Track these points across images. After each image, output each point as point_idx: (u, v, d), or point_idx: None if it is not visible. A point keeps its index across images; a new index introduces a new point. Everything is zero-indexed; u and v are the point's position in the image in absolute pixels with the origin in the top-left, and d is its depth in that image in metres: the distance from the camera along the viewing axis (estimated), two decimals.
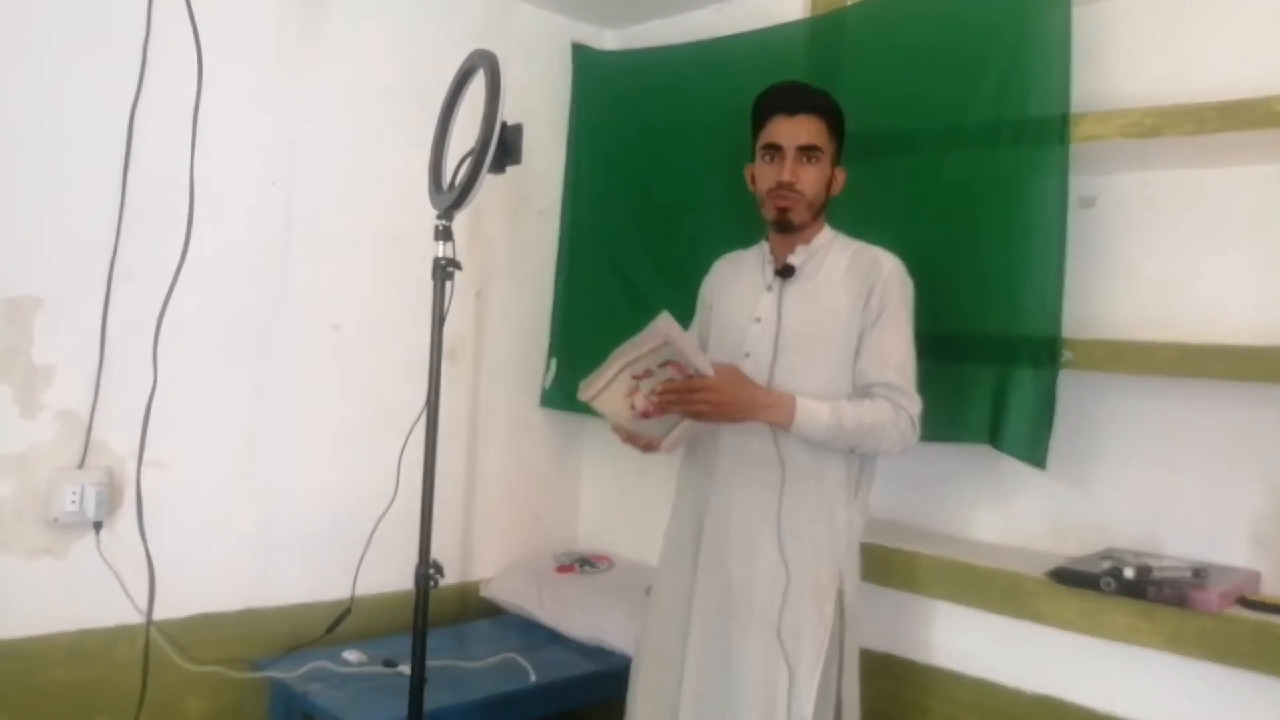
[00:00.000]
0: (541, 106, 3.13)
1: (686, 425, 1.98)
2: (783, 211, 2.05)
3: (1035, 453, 2.17)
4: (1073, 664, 2.17)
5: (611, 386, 1.91)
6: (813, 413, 1.92)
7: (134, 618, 2.33)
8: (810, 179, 2.04)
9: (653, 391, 1.91)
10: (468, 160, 1.95)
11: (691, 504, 2.14)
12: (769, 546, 2.00)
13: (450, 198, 1.96)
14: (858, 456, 2.05)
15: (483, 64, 1.96)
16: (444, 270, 1.99)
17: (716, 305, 2.22)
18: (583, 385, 1.92)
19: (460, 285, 2.84)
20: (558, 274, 3.19)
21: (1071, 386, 2.18)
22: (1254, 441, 2.06)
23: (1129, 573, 1.98)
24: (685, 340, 1.84)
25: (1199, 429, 2.13)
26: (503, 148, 1.92)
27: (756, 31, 2.74)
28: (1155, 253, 2.20)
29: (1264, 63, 2.00)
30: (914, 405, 2.00)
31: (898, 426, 1.97)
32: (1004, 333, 2.21)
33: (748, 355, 2.05)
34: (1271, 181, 2.07)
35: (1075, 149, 2.13)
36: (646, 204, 2.92)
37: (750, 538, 2.02)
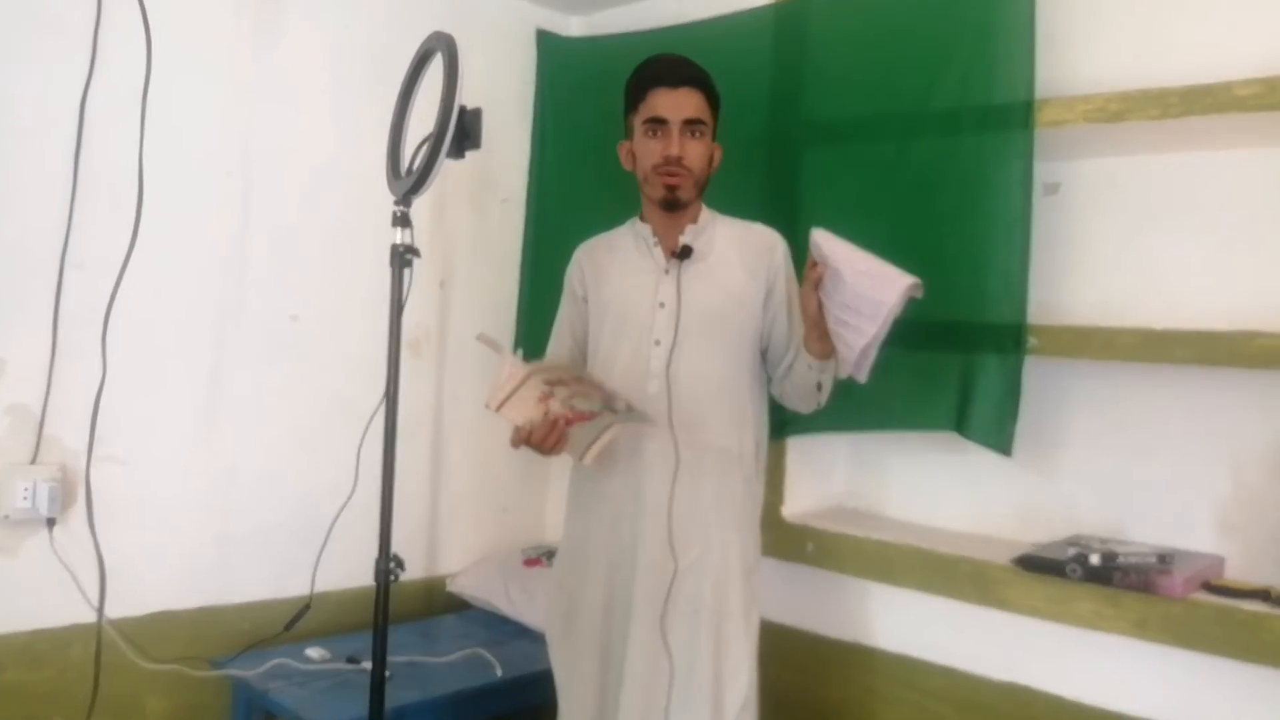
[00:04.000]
0: (506, 94, 3.09)
1: (613, 434, 1.93)
2: (671, 189, 2.00)
3: (1001, 440, 2.17)
4: (1039, 651, 2.17)
5: (520, 393, 1.84)
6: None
7: (89, 617, 2.28)
8: (697, 154, 2.00)
9: (571, 401, 1.85)
10: (426, 145, 1.92)
11: (613, 510, 2.05)
12: (717, 531, 2.00)
13: (408, 183, 1.93)
14: (762, 433, 2.10)
15: (440, 47, 1.92)
16: (402, 257, 1.96)
17: (595, 295, 2.13)
18: (487, 398, 1.86)
19: (423, 275, 2.83)
20: (523, 264, 3.15)
21: (1037, 373, 2.18)
22: (1219, 426, 2.07)
23: (1094, 559, 1.99)
24: None
25: (1164, 414, 2.14)
26: (461, 132, 1.89)
27: (722, 17, 2.72)
28: (1119, 238, 2.20)
29: (1227, 48, 2.00)
30: None
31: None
32: (969, 320, 2.20)
33: (658, 343, 2.00)
34: (1234, 166, 2.08)
35: (1040, 135, 2.13)
36: (612, 192, 2.90)
37: (698, 528, 2.00)
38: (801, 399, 2.03)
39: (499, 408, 1.86)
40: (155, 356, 2.40)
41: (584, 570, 2.09)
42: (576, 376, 1.87)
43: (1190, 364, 1.96)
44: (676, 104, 1.98)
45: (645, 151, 2.02)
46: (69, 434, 2.26)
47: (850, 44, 2.44)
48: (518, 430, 1.92)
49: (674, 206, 2.03)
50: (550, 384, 1.84)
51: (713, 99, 2.04)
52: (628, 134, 2.08)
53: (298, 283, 2.64)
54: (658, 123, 2.00)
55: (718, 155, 2.08)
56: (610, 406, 1.88)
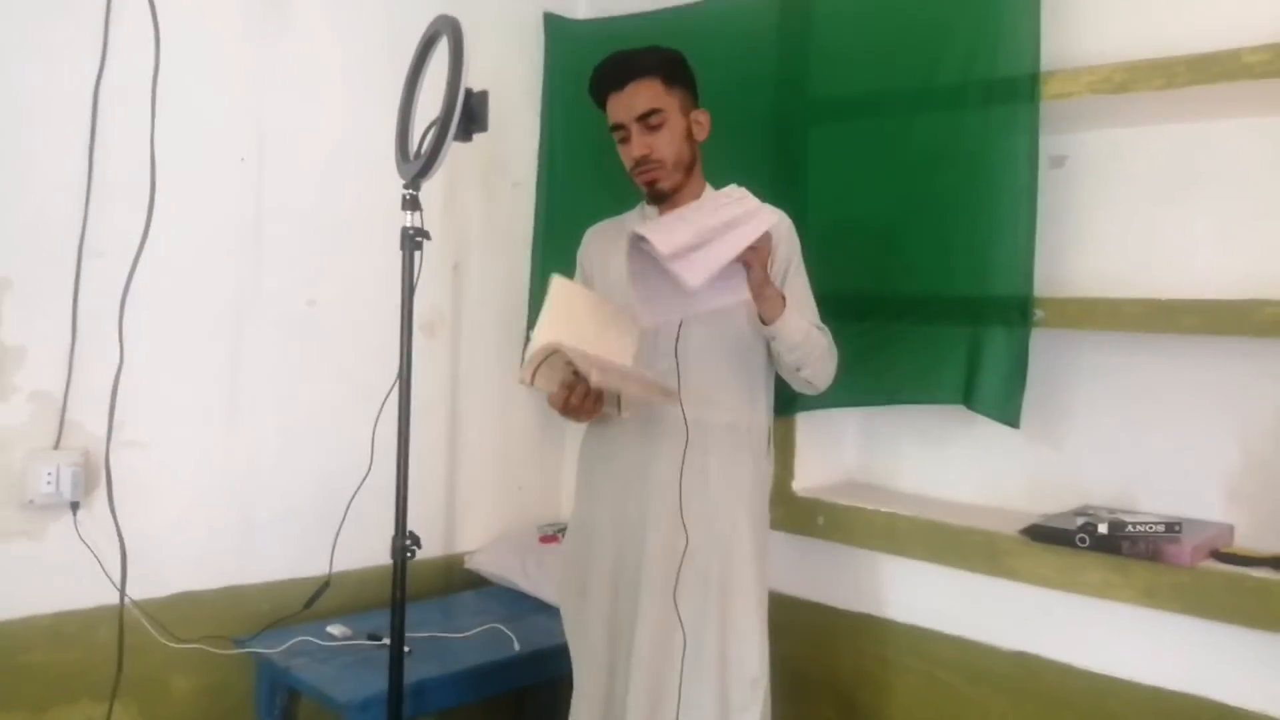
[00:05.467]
0: (514, 77, 3.08)
1: (645, 386, 1.93)
2: (651, 185, 2.02)
3: (1008, 412, 2.16)
4: (1049, 620, 2.17)
5: (550, 360, 1.85)
6: (795, 316, 1.92)
7: (114, 598, 2.31)
8: (662, 143, 1.99)
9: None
10: (433, 128, 1.92)
11: (621, 485, 2.07)
12: (726, 508, 2.01)
13: (416, 166, 1.94)
14: (769, 409, 2.10)
15: (445, 30, 1.93)
16: (412, 240, 1.97)
17: (601, 274, 2.15)
18: (519, 373, 1.88)
19: (436, 258, 2.85)
20: (534, 245, 3.15)
21: (1044, 345, 2.17)
22: (1226, 395, 2.06)
23: (1103, 528, 1.99)
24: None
25: (1171, 384, 2.12)
26: (468, 115, 1.89)
27: None
28: (1125, 209, 2.19)
29: (1233, 15, 1.97)
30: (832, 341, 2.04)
31: (833, 355, 2.02)
32: (976, 293, 2.20)
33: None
34: (1242, 135, 2.05)
35: (1045, 107, 2.11)
36: (621, 175, 2.89)
37: (706, 504, 2.00)
38: (792, 381, 2.04)
39: (531, 380, 1.87)
40: (173, 342, 2.42)
41: (594, 545, 2.10)
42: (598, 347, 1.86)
43: (1197, 333, 1.95)
44: (626, 104, 1.99)
45: (622, 156, 2.05)
46: (90, 419, 2.29)
47: (855, 21, 2.42)
48: (553, 395, 1.94)
49: (661, 198, 2.05)
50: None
51: (671, 77, 2.01)
52: None
53: (313, 267, 2.65)
54: (618, 129, 2.02)
55: (704, 121, 2.06)
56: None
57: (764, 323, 1.90)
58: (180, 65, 2.36)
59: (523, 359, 1.87)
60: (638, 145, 1.98)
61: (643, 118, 1.98)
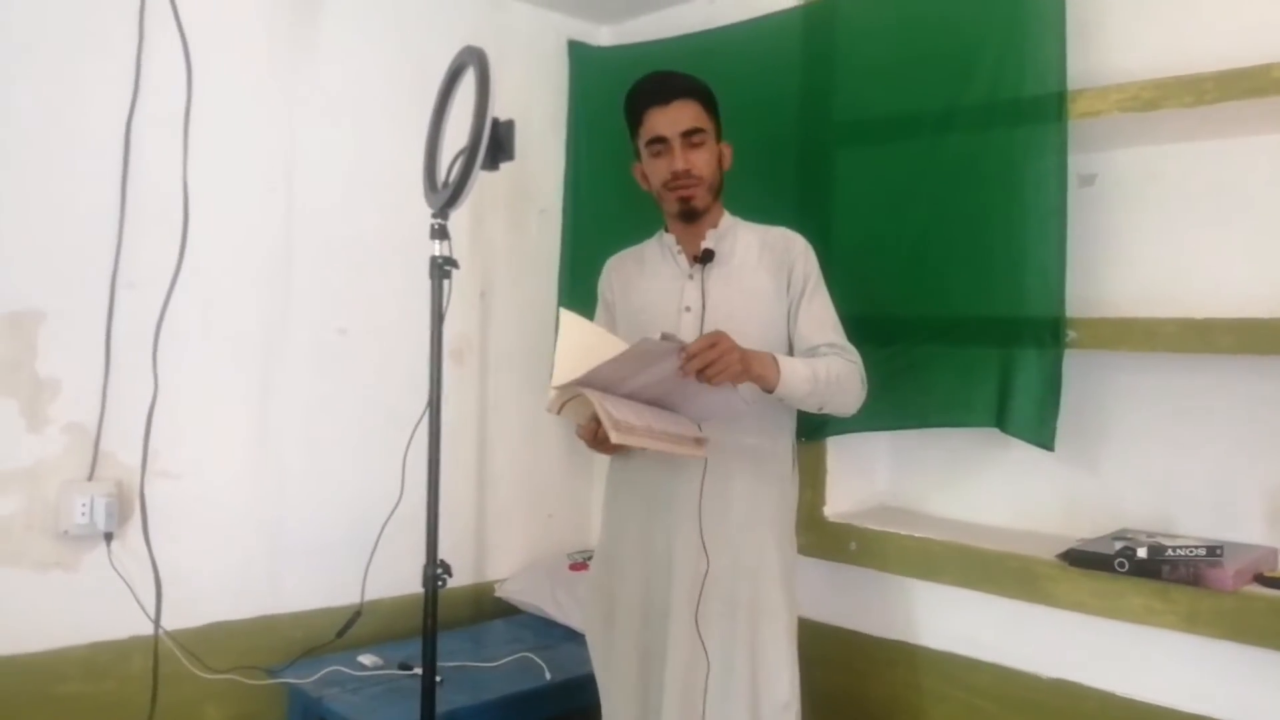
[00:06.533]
0: (540, 104, 3.10)
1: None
2: (686, 201, 2.02)
3: (1043, 434, 2.13)
4: (1088, 647, 2.13)
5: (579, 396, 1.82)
6: (793, 368, 1.89)
7: (148, 629, 2.31)
8: (703, 162, 2.01)
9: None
10: (460, 158, 1.92)
11: (646, 511, 2.05)
12: (750, 532, 1.99)
13: (444, 196, 1.94)
14: (793, 432, 2.07)
15: (471, 60, 1.93)
16: (441, 269, 1.97)
17: (623, 302, 2.15)
18: (547, 403, 1.86)
19: (464, 286, 2.85)
20: (560, 272, 3.15)
21: (1077, 366, 2.14)
22: (1266, 415, 2.02)
23: (1142, 552, 1.95)
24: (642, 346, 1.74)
25: (1209, 405, 2.09)
26: (495, 144, 1.90)
27: (751, 21, 2.70)
28: (1157, 228, 2.16)
29: (1263, 30, 1.95)
30: (859, 360, 2.02)
31: (856, 377, 1.99)
32: (1007, 315, 2.17)
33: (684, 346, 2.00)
34: (1273, 151, 2.02)
35: (1073, 126, 2.09)
36: (646, 201, 2.89)
37: (728, 528, 1.98)
38: (842, 406, 2.02)
39: (560, 410, 1.85)
40: (206, 372, 2.44)
41: (621, 572, 2.09)
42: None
43: (1234, 353, 1.91)
44: (671, 119, 2.00)
45: (654, 170, 2.05)
46: (124, 450, 2.30)
47: (880, 42, 2.42)
48: (582, 428, 1.92)
49: (692, 217, 2.05)
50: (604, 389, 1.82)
51: (708, 103, 2.05)
52: (637, 155, 2.10)
53: (343, 296, 2.67)
54: (659, 141, 2.02)
55: (727, 154, 2.09)
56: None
57: (767, 392, 1.89)
58: (211, 97, 2.39)
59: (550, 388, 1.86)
60: (680, 159, 2.00)
61: (687, 134, 2.00)
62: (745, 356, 1.79)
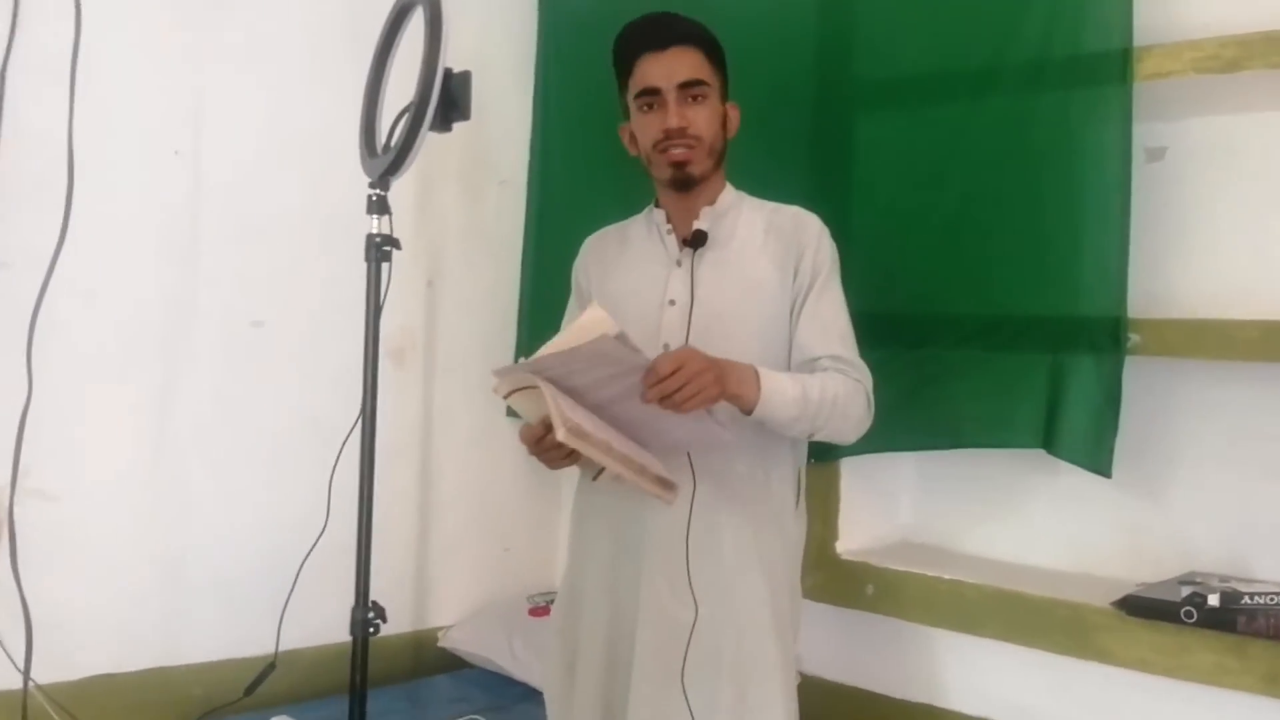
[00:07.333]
0: (501, 57, 3.11)
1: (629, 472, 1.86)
2: (680, 165, 1.99)
3: (1098, 458, 2.15)
4: (1149, 711, 2.15)
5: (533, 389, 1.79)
6: (778, 385, 1.86)
7: (15, 681, 2.29)
8: (703, 120, 1.99)
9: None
10: (405, 117, 1.93)
11: (613, 544, 2.05)
12: (739, 575, 1.97)
13: (385, 162, 1.95)
14: (799, 457, 2.05)
15: (421, 0, 1.93)
16: (379, 250, 1.97)
17: (599, 290, 2.12)
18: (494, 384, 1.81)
19: (408, 272, 2.85)
20: (525, 256, 3.16)
21: (1140, 376, 2.15)
22: None
23: (1214, 600, 1.97)
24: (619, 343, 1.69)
25: None
26: (447, 100, 1.91)
27: None
28: (1237, 212, 2.18)
29: None
30: (867, 379, 1.98)
31: (859, 402, 1.94)
32: (1058, 314, 2.19)
33: (667, 345, 1.96)
34: None
35: (1139, 90, 2.10)
36: (628, 171, 2.90)
37: (713, 570, 1.96)
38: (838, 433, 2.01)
39: (508, 395, 1.83)
40: (91, 371, 2.42)
41: (583, 615, 2.08)
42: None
43: None
44: (667, 68, 1.98)
45: (644, 128, 2.02)
46: None
47: None
48: (526, 427, 1.88)
49: (687, 185, 2.02)
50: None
51: (713, 54, 2.03)
52: (625, 114, 2.09)
53: (260, 282, 2.67)
54: (651, 94, 2.00)
55: (734, 116, 2.07)
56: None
57: (746, 414, 1.87)
58: (104, 40, 2.37)
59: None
60: (675, 115, 1.97)
61: (685, 85, 1.98)
62: (721, 373, 1.77)
